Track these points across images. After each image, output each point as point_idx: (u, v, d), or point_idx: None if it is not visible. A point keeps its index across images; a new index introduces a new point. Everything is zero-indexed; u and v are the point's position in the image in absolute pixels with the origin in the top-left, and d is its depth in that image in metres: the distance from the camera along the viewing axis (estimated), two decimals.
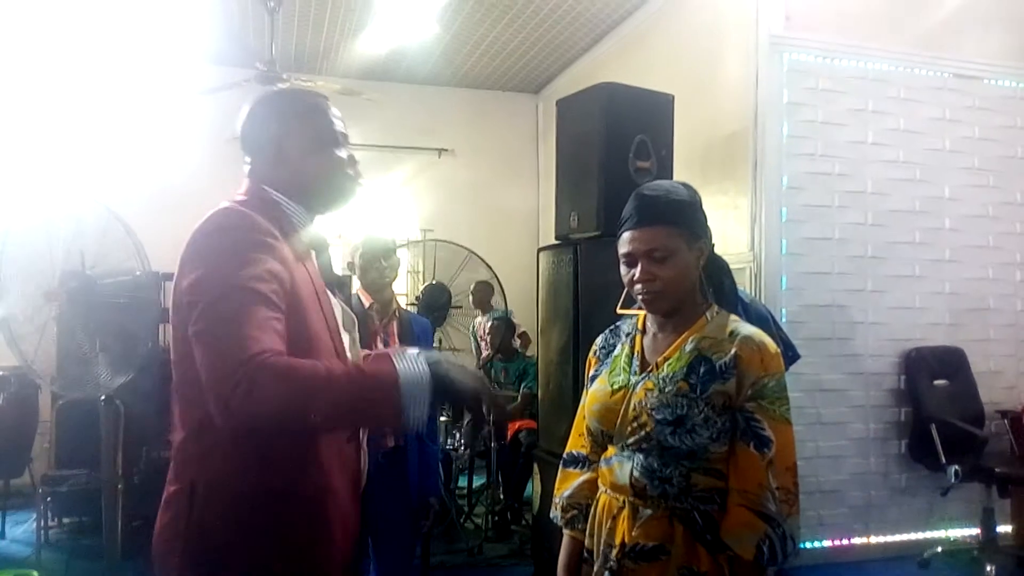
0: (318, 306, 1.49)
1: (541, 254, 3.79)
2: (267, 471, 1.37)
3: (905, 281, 4.31)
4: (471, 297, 5.38)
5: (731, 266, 1.76)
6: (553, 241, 3.75)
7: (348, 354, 1.56)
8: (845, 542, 4.18)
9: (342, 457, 1.50)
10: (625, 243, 1.60)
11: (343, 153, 1.58)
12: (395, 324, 2.93)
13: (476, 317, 5.88)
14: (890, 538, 4.23)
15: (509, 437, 5.27)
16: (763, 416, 1.49)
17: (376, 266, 2.85)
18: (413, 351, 1.38)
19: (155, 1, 5.24)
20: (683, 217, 1.58)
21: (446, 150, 7.30)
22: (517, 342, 5.95)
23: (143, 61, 6.24)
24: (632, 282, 1.59)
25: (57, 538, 4.73)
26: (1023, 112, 4.55)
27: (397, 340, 2.92)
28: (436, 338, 4.87)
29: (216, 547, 1.36)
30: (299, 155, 1.53)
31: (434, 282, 4.68)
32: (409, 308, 3.64)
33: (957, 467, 3.82)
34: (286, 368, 1.25)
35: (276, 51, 5.13)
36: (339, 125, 1.58)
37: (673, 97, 3.65)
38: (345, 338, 1.56)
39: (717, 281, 1.68)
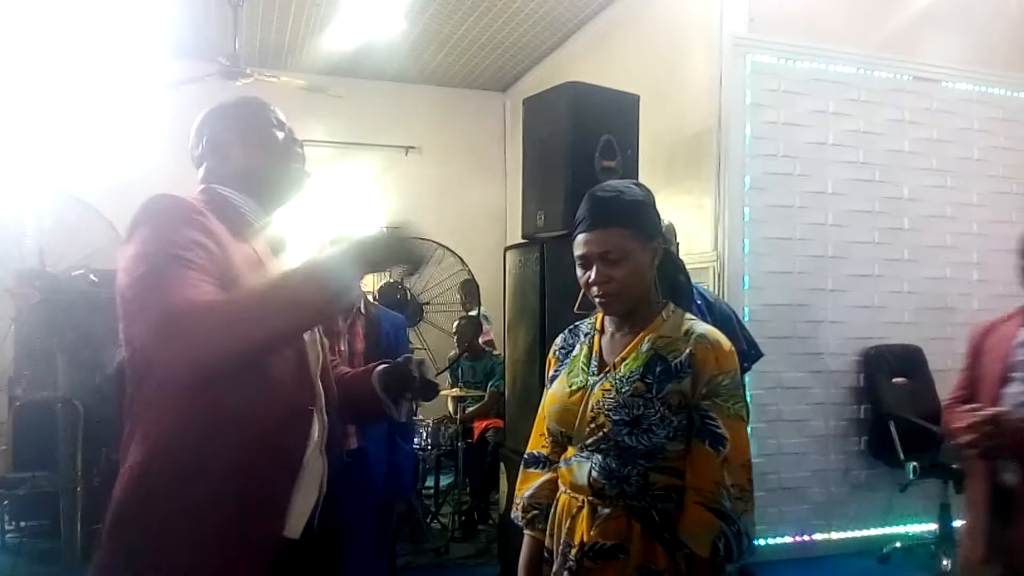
0: None
1: (508, 253, 3.79)
2: (185, 451, 1.35)
3: (865, 280, 4.38)
4: (460, 296, 5.38)
5: (695, 266, 1.78)
6: (520, 240, 3.75)
7: (313, 349, 1.54)
8: (806, 538, 4.24)
9: (278, 446, 1.43)
10: (580, 245, 1.60)
11: (281, 135, 1.60)
12: (360, 323, 2.86)
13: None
14: (850, 534, 4.31)
15: (476, 436, 5.27)
16: (717, 414, 1.51)
17: None
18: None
19: None
20: (636, 218, 1.59)
21: (413, 147, 7.27)
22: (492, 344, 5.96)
23: (105, 54, 6.13)
24: (588, 284, 1.60)
25: (14, 542, 4.62)
26: (980, 114, 4.64)
27: (363, 339, 2.85)
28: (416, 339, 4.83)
29: (138, 528, 1.35)
30: (240, 148, 1.57)
31: (389, 280, 4.59)
32: None
33: (915, 463, 3.90)
34: (209, 304, 1.26)
35: (239, 46, 5.06)
36: (275, 112, 1.62)
37: (638, 97, 3.67)
38: (306, 335, 1.54)
39: (672, 278, 1.70)
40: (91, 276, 2.88)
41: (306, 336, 1.53)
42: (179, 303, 1.24)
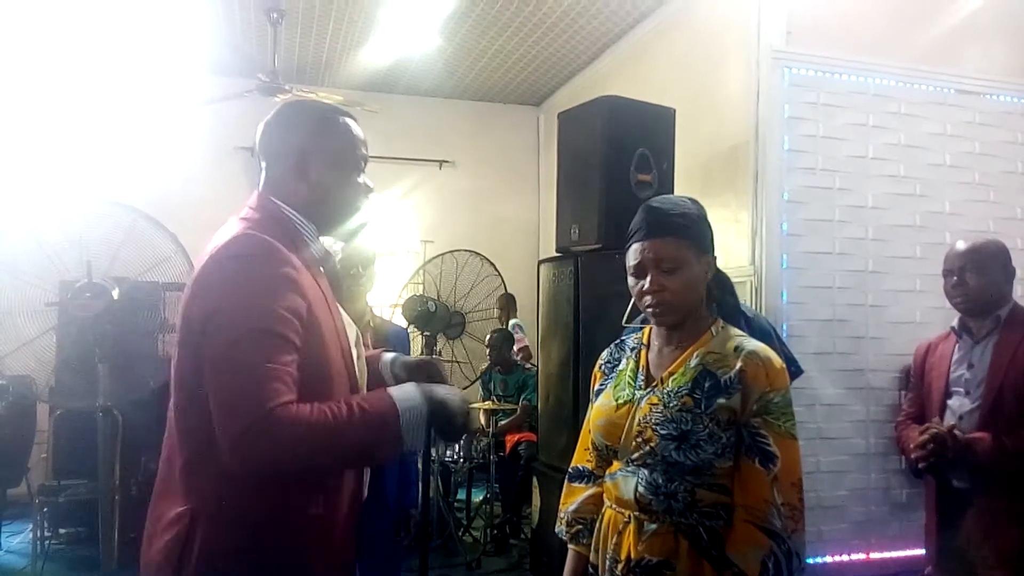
0: (332, 326, 1.46)
1: (542, 266, 3.79)
2: (277, 497, 1.36)
3: (906, 296, 4.29)
4: (496, 309, 5.43)
5: (732, 280, 1.76)
6: (554, 253, 3.75)
7: (356, 370, 1.55)
8: (845, 558, 4.15)
9: (345, 480, 1.50)
10: (635, 254, 1.59)
11: (362, 179, 1.54)
12: (369, 334, 2.88)
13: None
14: (890, 554, 4.20)
15: (508, 450, 5.25)
16: (768, 431, 1.49)
17: (352, 273, 2.79)
18: (410, 385, 1.42)
19: (158, 12, 5.26)
20: (691, 230, 1.59)
21: (447, 162, 7.32)
22: (518, 356, 5.95)
23: (146, 71, 6.26)
24: (641, 293, 1.59)
25: (54, 549, 4.69)
26: None
27: (371, 349, 2.87)
28: (447, 351, 4.84)
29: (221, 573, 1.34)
30: (320, 171, 1.48)
31: (424, 295, 4.56)
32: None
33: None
34: (297, 421, 1.27)
35: (278, 62, 5.14)
36: (363, 149, 1.55)
37: (674, 110, 3.66)
38: (353, 352, 1.55)
39: (720, 298, 1.68)
40: (113, 293, 2.89)
41: (353, 352, 1.54)
42: (273, 408, 1.25)
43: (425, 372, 1.68)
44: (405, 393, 1.38)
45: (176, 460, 1.39)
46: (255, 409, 1.24)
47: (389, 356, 1.76)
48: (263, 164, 1.52)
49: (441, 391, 1.43)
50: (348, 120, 1.54)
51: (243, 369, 1.27)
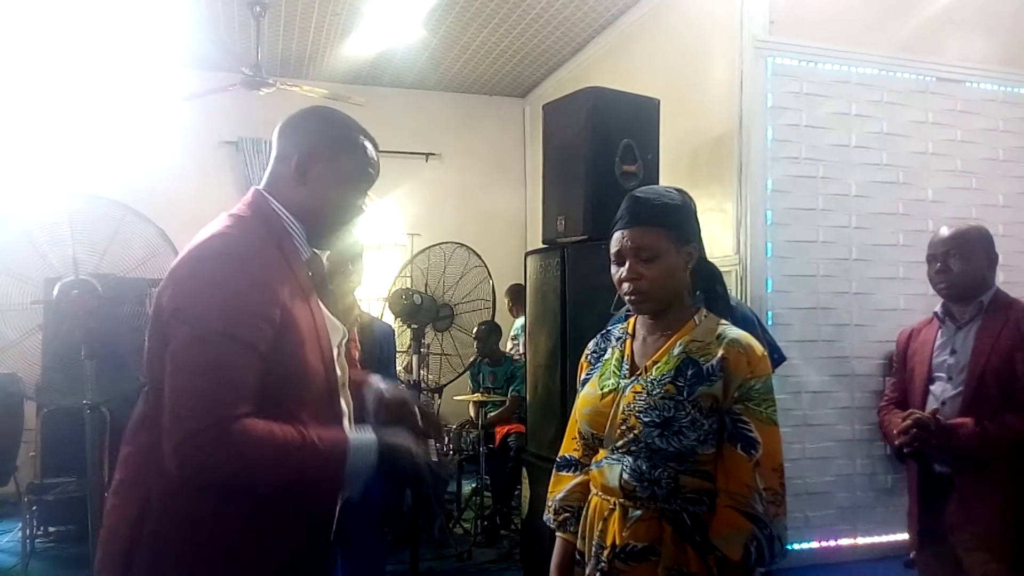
0: (312, 328, 1.44)
1: (528, 258, 3.80)
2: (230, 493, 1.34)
3: (889, 283, 4.34)
4: (507, 301, 5.47)
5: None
6: (540, 245, 3.76)
7: (336, 368, 1.54)
8: (832, 543, 4.20)
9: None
10: (615, 242, 1.62)
11: (360, 202, 1.54)
12: (355, 329, 2.88)
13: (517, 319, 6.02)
14: (876, 539, 4.26)
15: (498, 442, 5.27)
16: (750, 418, 1.51)
17: (343, 270, 2.78)
18: (367, 431, 1.42)
19: (142, 6, 5.22)
20: (672, 220, 1.60)
21: (433, 154, 7.30)
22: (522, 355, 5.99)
23: (128, 65, 6.22)
24: (620, 281, 1.61)
25: (43, 547, 4.68)
26: (1005, 115, 4.59)
27: (358, 345, 2.89)
28: (435, 344, 4.84)
29: (170, 562, 1.33)
30: (322, 181, 1.47)
31: (409, 288, 4.54)
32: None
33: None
34: (244, 437, 1.26)
35: (262, 55, 5.12)
36: (372, 173, 1.54)
37: (659, 101, 3.67)
38: (334, 352, 1.54)
39: (709, 288, 1.70)
40: (97, 287, 2.87)
41: (332, 353, 1.53)
42: (223, 418, 1.24)
43: (394, 413, 1.67)
44: (361, 438, 1.38)
45: (141, 441, 1.40)
46: (204, 417, 1.23)
47: (374, 386, 1.74)
48: (271, 158, 1.51)
49: (398, 439, 1.42)
50: (367, 142, 1.54)
51: (199, 372, 1.26)
